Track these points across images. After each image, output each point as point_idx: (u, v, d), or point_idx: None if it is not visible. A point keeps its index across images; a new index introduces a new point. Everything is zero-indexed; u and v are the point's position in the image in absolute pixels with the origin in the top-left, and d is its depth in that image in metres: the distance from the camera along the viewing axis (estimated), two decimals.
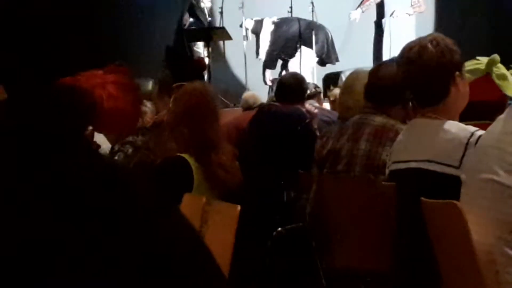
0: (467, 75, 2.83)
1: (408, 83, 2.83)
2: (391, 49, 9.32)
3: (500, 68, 3.12)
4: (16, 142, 0.56)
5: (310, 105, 5.52)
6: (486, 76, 3.11)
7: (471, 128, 2.64)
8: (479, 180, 2.24)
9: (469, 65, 2.95)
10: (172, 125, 3.16)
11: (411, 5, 9.70)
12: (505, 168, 2.15)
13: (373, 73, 3.45)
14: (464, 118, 2.80)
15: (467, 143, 2.58)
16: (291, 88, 4.95)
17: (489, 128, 2.35)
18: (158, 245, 0.57)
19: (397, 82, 3.00)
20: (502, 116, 2.29)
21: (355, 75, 3.88)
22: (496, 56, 3.13)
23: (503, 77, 3.08)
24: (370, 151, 3.26)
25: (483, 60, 3.13)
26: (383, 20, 9.85)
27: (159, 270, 0.55)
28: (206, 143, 3.05)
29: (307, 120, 4.74)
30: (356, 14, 9.93)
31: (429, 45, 2.72)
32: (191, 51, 9.06)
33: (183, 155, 3.05)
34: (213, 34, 8.90)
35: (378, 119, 3.33)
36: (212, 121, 3.11)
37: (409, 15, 9.72)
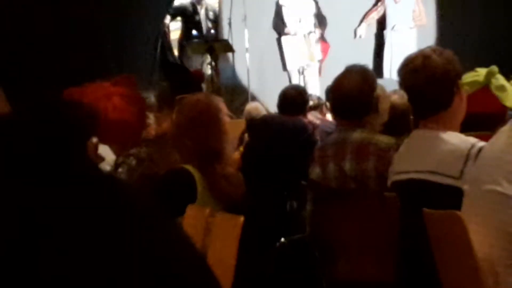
0: (465, 87, 2.85)
1: (412, 95, 2.84)
2: (392, 62, 9.35)
3: (499, 79, 3.13)
4: (19, 153, 0.57)
5: (313, 116, 5.56)
6: (485, 88, 3.12)
7: (472, 140, 2.65)
8: (482, 191, 2.24)
9: (468, 77, 2.96)
10: (175, 136, 3.17)
11: (413, 18, 9.74)
12: (509, 179, 2.15)
13: (336, 89, 3.37)
14: (464, 129, 2.82)
15: (467, 154, 2.59)
16: (293, 100, 5.01)
17: (492, 140, 2.36)
18: (154, 260, 0.58)
19: (363, 88, 3.00)
20: (505, 128, 2.30)
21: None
22: (494, 68, 3.15)
23: (502, 89, 3.09)
24: (357, 171, 3.22)
25: (482, 71, 3.15)
26: (384, 32, 9.88)
27: (156, 284, 0.56)
28: (209, 154, 3.05)
29: (309, 131, 4.77)
30: (362, 30, 9.98)
31: (433, 55, 2.74)
32: (181, 60, 9.10)
33: (186, 166, 3.06)
34: (216, 47, 8.91)
35: (356, 136, 3.29)
36: (215, 132, 3.10)
37: (410, 28, 9.75)
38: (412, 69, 2.77)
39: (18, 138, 0.56)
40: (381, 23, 9.96)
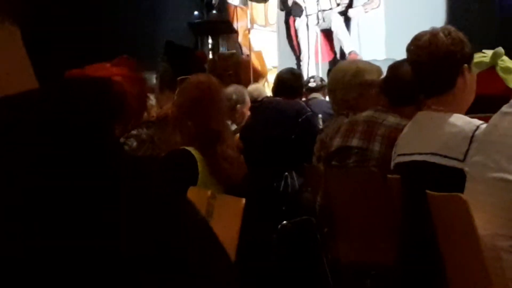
0: (473, 68, 2.83)
1: (416, 71, 2.83)
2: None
3: (505, 61, 3.11)
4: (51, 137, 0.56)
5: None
6: (490, 69, 3.10)
7: (476, 121, 2.63)
8: (488, 178, 2.23)
9: (474, 58, 2.94)
10: (177, 117, 3.17)
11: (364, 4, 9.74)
12: None
13: (394, 68, 3.45)
14: (468, 111, 2.80)
15: (472, 136, 2.58)
16: (289, 83, 5.06)
17: (493, 122, 2.34)
18: (173, 234, 0.57)
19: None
20: (506, 110, 2.28)
21: (336, 69, 3.90)
22: (501, 49, 3.12)
23: (508, 71, 3.07)
24: (384, 154, 3.23)
25: (488, 53, 3.12)
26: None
27: (173, 261, 0.55)
28: (210, 135, 3.04)
29: (308, 113, 4.79)
30: (353, 12, 9.93)
31: (441, 34, 2.73)
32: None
33: (187, 148, 3.05)
34: (218, 27, 8.89)
35: (391, 119, 3.33)
36: (216, 113, 3.10)
37: (366, 12, 9.76)
38: (418, 45, 2.77)
39: (58, 116, 0.55)
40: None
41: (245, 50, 9.51)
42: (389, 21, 9.86)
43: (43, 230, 0.50)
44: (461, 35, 2.75)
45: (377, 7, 9.85)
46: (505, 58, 3.12)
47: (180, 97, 3.19)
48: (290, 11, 9.95)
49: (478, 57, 3.08)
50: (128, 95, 3.28)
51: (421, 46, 2.75)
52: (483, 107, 2.79)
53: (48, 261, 0.50)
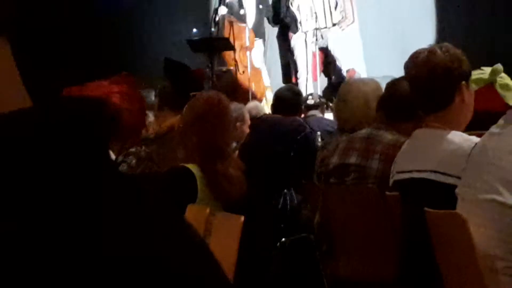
0: (472, 85, 2.84)
1: (414, 88, 2.84)
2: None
3: (504, 78, 3.12)
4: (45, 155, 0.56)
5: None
6: (489, 86, 3.11)
7: (474, 139, 2.63)
8: (479, 199, 2.23)
9: (473, 74, 2.95)
10: (183, 132, 3.18)
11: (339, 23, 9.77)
12: (508, 187, 2.13)
13: (391, 86, 3.46)
14: (467, 127, 2.81)
15: (470, 154, 2.58)
16: (288, 101, 5.07)
17: (482, 143, 2.34)
18: (165, 253, 0.57)
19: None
20: (494, 130, 2.29)
21: (348, 84, 3.88)
22: (499, 66, 3.13)
23: (507, 87, 3.08)
24: (383, 171, 3.23)
25: (487, 70, 3.14)
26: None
27: (169, 281, 0.55)
28: (213, 152, 3.05)
29: (307, 130, 4.80)
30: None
31: (438, 51, 2.74)
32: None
33: (188, 165, 3.06)
34: (217, 45, 8.90)
35: (389, 136, 3.33)
36: (222, 131, 3.11)
37: (342, 29, 9.80)
38: (416, 62, 2.78)
39: (48, 135, 0.55)
40: None
41: (242, 68, 9.53)
42: (364, 36, 9.92)
43: (31, 246, 0.50)
44: (458, 52, 2.76)
45: (352, 23, 9.89)
46: (503, 75, 3.13)
47: (188, 111, 3.21)
48: (285, 26, 9.95)
49: (476, 73, 3.09)
50: (126, 112, 3.28)
51: (419, 63, 2.76)
52: (482, 124, 2.80)
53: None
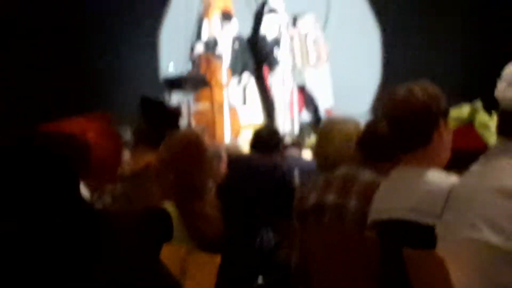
0: (451, 122, 2.85)
1: (392, 126, 2.84)
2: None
3: (483, 117, 3.13)
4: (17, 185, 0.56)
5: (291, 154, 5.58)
6: (468, 124, 3.12)
7: (453, 178, 2.63)
8: (460, 238, 2.22)
9: (451, 112, 2.96)
10: (159, 170, 3.17)
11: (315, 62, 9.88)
12: (491, 227, 2.13)
13: (371, 125, 3.46)
14: (446, 166, 2.80)
15: (449, 192, 2.57)
16: (266, 140, 5.09)
17: (462, 181, 2.34)
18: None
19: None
20: (476, 169, 2.29)
21: (329, 123, 3.88)
22: (478, 104, 3.15)
23: (485, 127, 3.09)
24: (360, 211, 3.21)
25: (466, 107, 3.15)
26: None
27: None
28: (190, 191, 3.04)
29: (283, 170, 4.80)
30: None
31: (416, 88, 2.74)
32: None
33: (164, 203, 3.04)
34: (193, 83, 8.93)
35: (367, 176, 3.33)
36: (199, 169, 3.11)
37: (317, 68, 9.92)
38: (394, 100, 2.78)
39: (12, 170, 0.56)
40: None
41: (217, 105, 9.55)
42: (334, 73, 10.03)
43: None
44: (437, 89, 2.77)
45: (326, 61, 10.01)
46: (482, 113, 3.14)
47: (165, 150, 3.20)
48: (262, 61, 10.00)
49: (455, 111, 3.09)
50: (102, 149, 3.26)
51: (397, 101, 2.76)
52: (460, 163, 2.80)
53: None
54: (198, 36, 9.80)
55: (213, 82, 9.42)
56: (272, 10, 9.94)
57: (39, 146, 0.50)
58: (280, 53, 9.83)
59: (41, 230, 0.45)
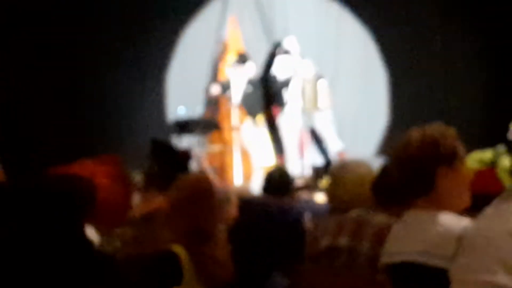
0: (473, 164, 2.81)
1: (396, 170, 2.83)
2: None
3: (506, 161, 3.11)
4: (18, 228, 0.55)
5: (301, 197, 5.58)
6: (490, 168, 3.10)
7: (465, 220, 2.61)
8: (473, 281, 2.19)
9: (474, 155, 2.94)
10: (169, 213, 3.16)
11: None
12: (505, 269, 2.10)
13: (384, 169, 3.47)
14: (466, 210, 2.77)
15: (461, 235, 2.55)
16: (277, 182, 5.09)
17: (476, 224, 2.32)
18: None
19: None
20: (489, 211, 2.27)
21: (342, 166, 3.88)
22: (501, 148, 3.13)
23: (507, 171, 3.07)
24: (374, 254, 3.19)
25: (489, 151, 3.13)
26: None
27: None
28: (200, 235, 3.04)
29: (295, 214, 4.78)
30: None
31: (414, 136, 2.73)
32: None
33: (174, 246, 3.03)
34: (204, 127, 8.97)
35: (380, 218, 3.32)
36: (209, 213, 3.11)
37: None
38: (395, 149, 2.78)
39: (17, 211, 0.55)
40: None
41: (230, 147, 9.57)
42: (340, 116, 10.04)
43: None
44: (437, 134, 2.73)
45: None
46: (505, 157, 3.12)
47: (175, 193, 3.20)
48: (270, 101, 10.03)
49: (478, 154, 3.07)
50: (112, 193, 3.26)
51: (398, 145, 2.77)
52: (479, 206, 2.76)
53: None
54: (214, 78, 9.86)
55: (226, 124, 9.46)
56: (286, 52, 9.99)
57: (40, 187, 0.49)
58: (288, 94, 9.87)
59: (43, 271, 0.44)
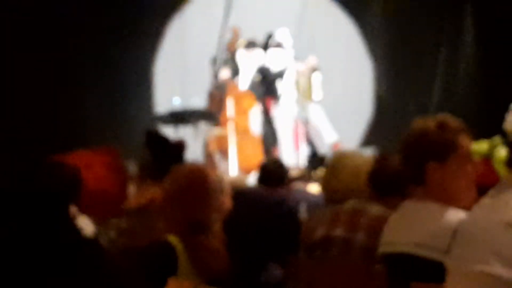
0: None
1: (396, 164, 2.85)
2: None
3: (502, 152, 3.12)
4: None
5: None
6: (486, 159, 3.11)
7: (461, 213, 2.62)
8: (469, 272, 2.20)
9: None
10: (164, 204, 3.16)
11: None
12: (502, 260, 2.11)
13: (381, 160, 3.48)
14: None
15: (456, 228, 2.56)
16: (273, 173, 5.09)
17: (472, 215, 2.33)
18: None
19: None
20: (485, 202, 2.28)
21: (339, 157, 3.89)
22: (497, 139, 3.14)
23: (502, 162, 3.08)
24: (368, 245, 3.21)
25: (484, 143, 3.14)
26: None
27: None
28: (195, 225, 3.04)
29: (290, 204, 4.79)
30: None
31: (411, 131, 2.74)
32: None
33: (169, 237, 3.03)
34: (199, 116, 8.98)
35: (375, 209, 3.33)
36: (204, 203, 3.10)
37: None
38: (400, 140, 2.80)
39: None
40: None
41: (241, 132, 9.62)
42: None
43: None
44: (433, 127, 2.73)
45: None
46: (501, 148, 3.13)
47: (170, 184, 3.19)
48: (264, 92, 10.06)
49: (474, 145, 3.07)
50: (108, 183, 3.26)
51: (401, 137, 2.79)
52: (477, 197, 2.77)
53: None
54: (225, 63, 9.88)
55: (237, 109, 9.50)
56: (278, 45, 10.01)
57: (23, 174, 0.50)
58: (282, 86, 9.88)
59: (28, 258, 0.44)
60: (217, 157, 9.21)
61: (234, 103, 9.56)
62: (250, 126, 9.64)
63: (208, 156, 9.40)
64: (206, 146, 9.38)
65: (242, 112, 9.66)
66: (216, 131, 9.36)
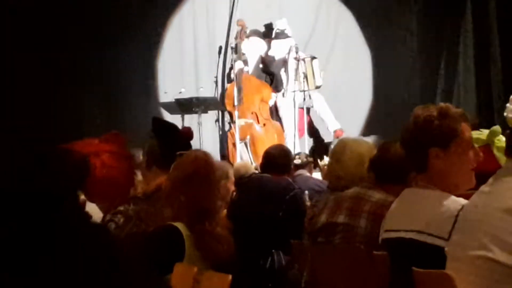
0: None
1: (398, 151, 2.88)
2: None
3: (501, 141, 3.14)
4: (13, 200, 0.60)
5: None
6: (486, 147, 3.12)
7: (462, 201, 2.64)
8: (469, 257, 2.23)
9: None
10: (170, 191, 3.18)
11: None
12: (500, 246, 2.14)
13: (383, 148, 3.50)
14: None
15: (456, 215, 2.58)
16: (277, 160, 5.09)
17: (472, 202, 2.36)
18: None
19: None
20: (483, 189, 2.30)
21: (342, 144, 3.90)
22: (497, 128, 3.15)
23: (503, 150, 3.10)
24: (370, 231, 3.24)
25: (485, 131, 3.15)
26: None
27: None
28: (201, 212, 3.05)
29: (295, 190, 4.80)
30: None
31: (413, 116, 2.76)
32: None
33: (175, 223, 3.06)
34: (206, 104, 8.98)
35: (377, 196, 3.36)
36: (210, 190, 3.12)
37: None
38: (402, 126, 2.82)
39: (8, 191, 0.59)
40: None
41: (263, 120, 9.68)
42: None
43: None
44: (435, 114, 2.75)
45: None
46: (501, 137, 3.15)
47: (175, 171, 3.21)
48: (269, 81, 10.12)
49: (475, 133, 3.10)
50: (115, 171, 3.29)
51: (402, 127, 2.82)
52: (477, 184, 2.79)
53: None
54: (236, 53, 9.90)
55: (256, 98, 9.61)
56: (280, 34, 10.03)
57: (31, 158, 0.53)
58: (286, 75, 9.90)
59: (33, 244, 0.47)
60: (241, 146, 9.29)
61: (254, 94, 9.63)
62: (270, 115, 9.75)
63: (232, 145, 9.47)
64: (228, 136, 9.47)
65: (263, 102, 9.75)
66: (239, 122, 9.41)
